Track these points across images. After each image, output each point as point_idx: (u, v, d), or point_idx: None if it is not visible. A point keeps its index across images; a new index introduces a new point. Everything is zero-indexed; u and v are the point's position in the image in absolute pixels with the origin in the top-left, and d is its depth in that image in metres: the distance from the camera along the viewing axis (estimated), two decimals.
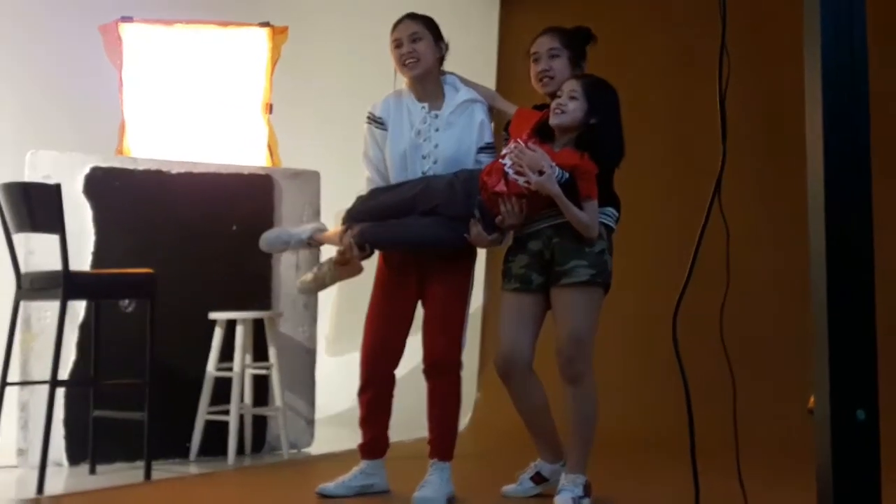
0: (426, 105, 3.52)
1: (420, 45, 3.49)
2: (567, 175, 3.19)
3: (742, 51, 4.47)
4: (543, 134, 3.31)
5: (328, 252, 3.84)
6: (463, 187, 3.39)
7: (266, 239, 3.83)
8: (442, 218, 3.38)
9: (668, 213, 4.76)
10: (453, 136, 3.48)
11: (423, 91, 3.54)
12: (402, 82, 3.60)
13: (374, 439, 3.60)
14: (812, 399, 1.41)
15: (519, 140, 3.31)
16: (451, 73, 3.63)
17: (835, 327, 1.39)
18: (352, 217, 3.54)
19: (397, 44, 3.52)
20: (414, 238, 3.44)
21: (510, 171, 3.24)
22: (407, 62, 3.49)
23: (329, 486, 3.57)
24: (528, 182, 3.20)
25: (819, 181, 1.40)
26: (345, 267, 3.64)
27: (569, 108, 3.23)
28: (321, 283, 3.77)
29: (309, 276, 3.79)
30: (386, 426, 3.61)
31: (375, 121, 3.58)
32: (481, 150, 3.51)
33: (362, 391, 3.56)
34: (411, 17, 3.58)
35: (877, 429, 1.38)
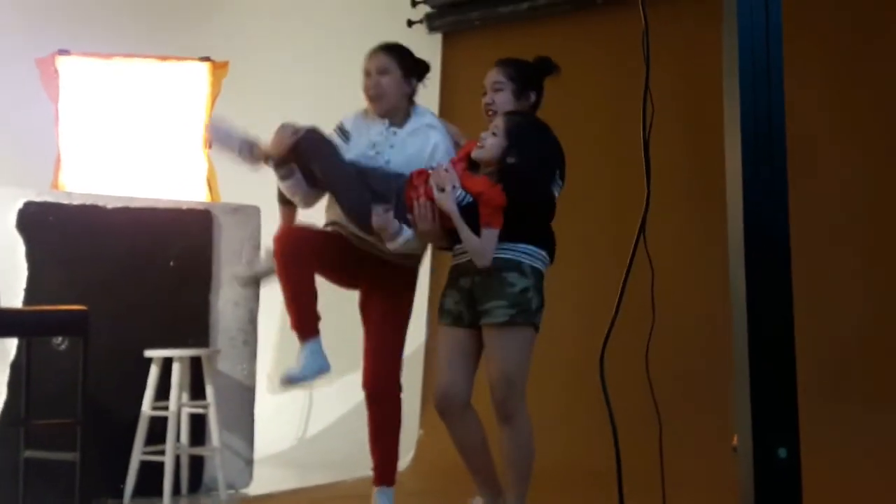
0: (387, 121, 3.52)
1: (385, 79, 3.48)
2: (469, 199, 3.25)
3: (670, 89, 4.57)
4: (473, 163, 3.37)
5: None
6: (397, 183, 3.39)
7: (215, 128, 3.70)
8: (365, 187, 3.35)
9: (602, 250, 4.83)
10: (404, 155, 3.46)
11: (390, 117, 3.53)
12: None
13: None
14: (735, 437, 1.44)
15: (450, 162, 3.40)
16: (426, 107, 3.63)
17: (755, 367, 1.42)
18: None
19: (366, 73, 3.52)
20: (340, 187, 3.37)
21: (431, 182, 3.30)
22: (370, 94, 3.50)
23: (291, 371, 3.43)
24: (428, 194, 3.28)
25: (738, 224, 1.44)
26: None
27: (487, 143, 3.29)
28: (259, 273, 3.75)
29: (243, 268, 3.78)
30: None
31: (342, 131, 3.56)
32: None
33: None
34: (384, 48, 3.55)
35: (798, 466, 1.41)
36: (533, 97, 3.52)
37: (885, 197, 4.51)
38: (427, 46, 5.89)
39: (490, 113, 3.50)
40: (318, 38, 6.47)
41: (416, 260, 3.57)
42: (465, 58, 5.73)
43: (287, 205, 3.57)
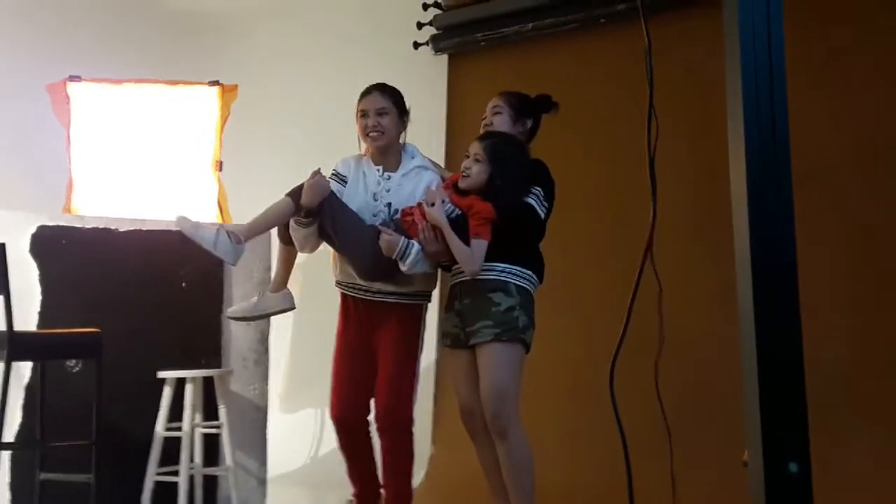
0: (380, 168, 3.61)
1: (385, 119, 3.61)
2: (458, 212, 3.35)
3: (675, 107, 4.58)
4: (460, 191, 3.43)
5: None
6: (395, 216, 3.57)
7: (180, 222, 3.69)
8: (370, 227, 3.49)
9: (608, 268, 4.83)
10: (402, 197, 3.59)
11: (383, 158, 3.66)
12: (364, 147, 3.67)
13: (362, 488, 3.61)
14: (746, 452, 1.44)
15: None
16: (412, 145, 3.72)
17: (765, 382, 1.42)
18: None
19: (363, 114, 3.62)
20: (358, 232, 3.49)
21: (424, 204, 3.40)
22: (371, 134, 3.59)
23: None
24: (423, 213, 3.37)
25: (745, 239, 1.44)
26: (278, 295, 3.68)
27: (472, 171, 3.37)
28: (251, 311, 3.80)
29: (238, 304, 3.84)
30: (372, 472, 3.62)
31: (339, 177, 3.67)
32: None
33: (339, 442, 3.61)
34: (380, 89, 3.66)
35: (809, 481, 1.41)
36: (529, 124, 3.65)
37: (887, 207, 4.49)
38: (433, 68, 5.93)
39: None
40: (325, 62, 6.50)
41: (425, 296, 3.63)
42: (470, 78, 5.76)
43: (289, 245, 3.63)
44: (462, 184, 3.40)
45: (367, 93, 3.66)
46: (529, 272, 3.45)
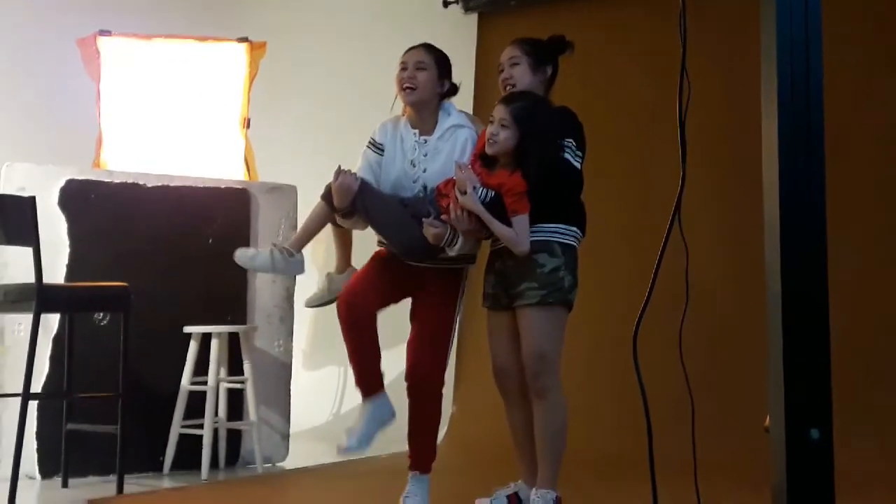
0: (417, 132, 3.57)
1: (422, 74, 3.53)
2: (492, 193, 3.28)
3: (705, 72, 4.52)
4: (488, 159, 3.37)
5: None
6: (430, 195, 3.49)
7: (238, 256, 3.77)
8: (411, 217, 3.43)
9: (637, 230, 4.80)
10: (439, 161, 3.54)
11: (419, 119, 3.59)
12: (401, 106, 3.63)
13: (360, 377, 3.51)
14: (768, 418, 1.43)
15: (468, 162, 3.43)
16: (449, 102, 3.66)
17: (789, 348, 1.41)
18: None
19: (403, 66, 3.56)
20: (393, 219, 3.44)
21: (457, 191, 3.34)
22: (405, 87, 3.53)
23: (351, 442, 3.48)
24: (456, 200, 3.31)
25: (775, 205, 1.43)
26: (345, 275, 3.65)
27: (500, 137, 3.30)
28: (322, 297, 3.79)
29: (312, 292, 3.83)
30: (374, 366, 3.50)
31: (375, 146, 3.62)
32: None
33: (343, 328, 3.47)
34: (425, 46, 3.61)
35: (830, 447, 1.41)
36: (549, 71, 3.53)
37: None
38: (463, 26, 5.89)
39: (508, 87, 3.51)
40: (354, 20, 6.47)
41: (469, 259, 3.59)
42: (500, 37, 5.68)
43: (341, 228, 3.60)
44: (489, 150, 3.34)
45: (412, 48, 3.61)
46: (574, 228, 3.40)
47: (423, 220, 3.37)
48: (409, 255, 3.50)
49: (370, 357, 3.45)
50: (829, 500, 1.41)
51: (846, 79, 4.45)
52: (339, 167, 3.43)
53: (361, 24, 6.40)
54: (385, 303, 3.53)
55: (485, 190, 3.30)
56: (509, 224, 3.28)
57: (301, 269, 3.68)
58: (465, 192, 3.28)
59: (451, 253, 3.40)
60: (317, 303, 3.83)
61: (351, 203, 3.42)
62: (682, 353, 1.75)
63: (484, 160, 3.38)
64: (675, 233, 1.58)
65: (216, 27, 5.47)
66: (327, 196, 3.47)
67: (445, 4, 5.89)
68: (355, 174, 3.43)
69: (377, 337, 3.46)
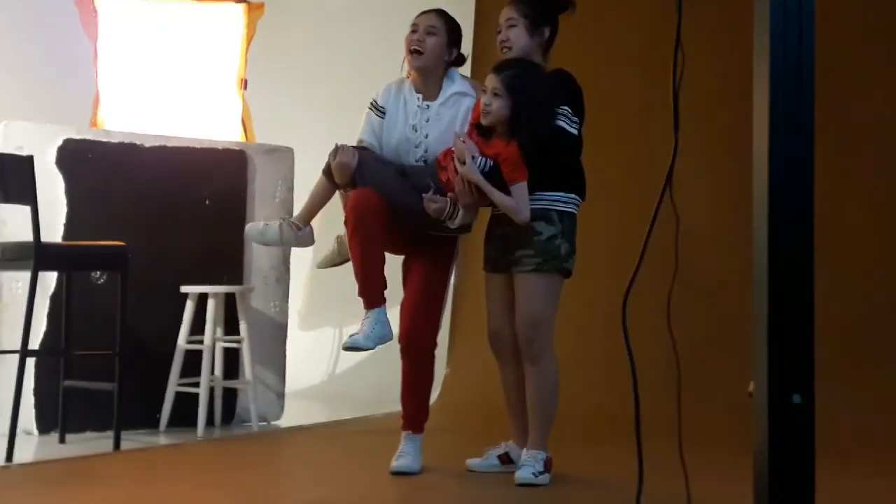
0: (420, 96, 3.58)
1: (431, 39, 3.52)
2: (491, 163, 3.29)
3: (706, 39, 4.51)
4: (483, 130, 3.38)
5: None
6: (430, 168, 3.50)
7: (248, 231, 3.79)
8: (411, 188, 3.45)
9: (630, 197, 4.82)
10: (441, 128, 3.55)
11: (423, 83, 3.59)
12: (406, 70, 3.62)
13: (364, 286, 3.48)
14: (752, 383, 1.46)
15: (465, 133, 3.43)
16: (455, 70, 3.65)
17: (774, 316, 1.44)
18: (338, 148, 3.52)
19: (413, 28, 3.56)
20: (396, 188, 3.45)
21: (456, 162, 3.34)
22: (412, 49, 3.53)
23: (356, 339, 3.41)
24: (455, 172, 3.32)
25: (763, 179, 1.45)
26: None
27: (493, 107, 3.30)
28: (333, 259, 3.80)
29: (322, 253, 3.83)
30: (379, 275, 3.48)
31: (376, 108, 3.63)
32: None
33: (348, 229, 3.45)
34: (438, 12, 3.60)
35: (812, 412, 1.44)
36: (547, 32, 3.50)
37: None
38: None
39: (504, 50, 3.50)
40: None
41: (465, 229, 3.60)
42: (496, 2, 5.69)
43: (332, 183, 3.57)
44: (484, 120, 3.34)
45: (425, 11, 3.59)
46: (572, 195, 3.42)
47: (423, 195, 3.38)
48: (409, 224, 3.52)
49: (376, 266, 3.43)
50: (809, 463, 1.45)
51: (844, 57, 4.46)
52: (337, 144, 3.44)
53: None
54: (390, 222, 3.44)
55: (484, 159, 3.31)
56: (508, 193, 3.31)
57: (311, 242, 3.74)
58: (464, 163, 3.30)
59: (452, 226, 3.43)
60: (328, 264, 3.84)
61: (351, 178, 3.44)
62: (669, 319, 1.78)
63: (480, 130, 3.39)
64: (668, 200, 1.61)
65: None
66: (328, 171, 3.49)
67: None
68: (353, 150, 3.43)
69: (382, 245, 3.46)
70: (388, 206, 3.41)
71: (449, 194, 3.41)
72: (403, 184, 3.48)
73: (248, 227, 3.74)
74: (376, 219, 3.39)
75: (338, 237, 3.76)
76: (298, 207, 5.10)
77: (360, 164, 3.42)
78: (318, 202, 3.63)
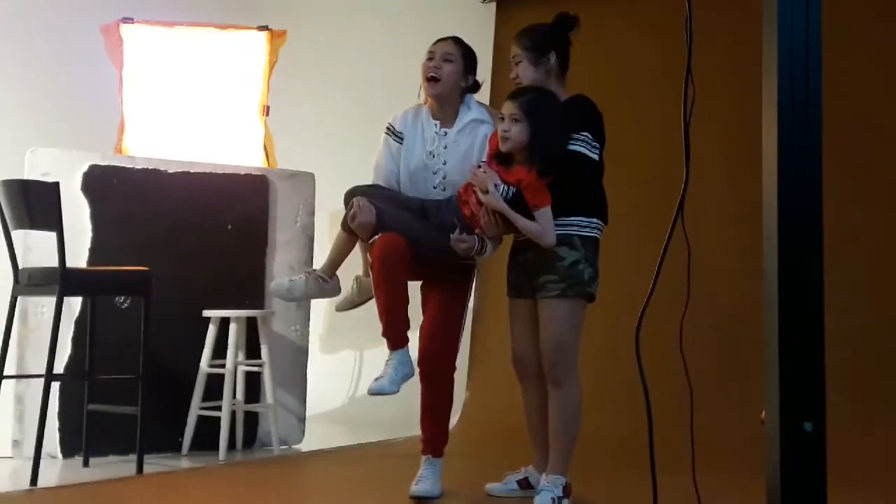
0: (438, 123, 3.60)
1: (448, 67, 3.55)
2: (513, 190, 3.30)
3: (716, 67, 4.50)
4: (503, 156, 3.38)
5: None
6: (453, 203, 3.52)
7: (273, 288, 3.82)
8: (434, 227, 3.48)
9: (646, 225, 4.82)
10: (459, 155, 3.57)
11: (440, 110, 3.61)
12: (423, 96, 3.65)
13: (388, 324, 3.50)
14: (764, 412, 1.47)
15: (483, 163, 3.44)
16: (471, 96, 3.68)
17: (785, 345, 1.45)
18: (354, 194, 3.53)
19: (430, 56, 3.58)
20: (419, 231, 3.47)
21: (478, 192, 3.35)
22: (429, 76, 3.56)
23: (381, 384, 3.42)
24: (478, 204, 3.32)
25: (773, 206, 1.46)
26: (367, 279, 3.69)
27: (512, 132, 3.29)
28: (353, 301, 3.83)
29: (340, 296, 3.84)
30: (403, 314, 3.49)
31: (394, 133, 3.65)
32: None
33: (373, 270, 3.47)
34: (455, 39, 3.63)
35: (823, 440, 1.44)
36: (553, 59, 3.49)
37: None
38: (481, 16, 5.91)
39: (516, 85, 3.52)
40: (374, 10, 6.49)
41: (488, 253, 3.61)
42: (518, 27, 5.70)
43: (351, 235, 3.60)
44: (504, 147, 3.34)
45: (441, 39, 3.63)
46: (594, 220, 3.42)
47: (451, 236, 3.37)
48: (435, 261, 3.52)
49: (399, 309, 3.44)
50: (821, 491, 1.45)
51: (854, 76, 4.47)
52: (354, 202, 3.43)
53: (381, 13, 6.44)
54: (411, 265, 3.47)
55: (506, 187, 3.30)
56: (532, 218, 3.31)
57: (337, 292, 3.78)
58: (486, 192, 3.30)
59: (481, 259, 3.47)
60: (348, 306, 3.85)
61: (373, 232, 3.45)
62: (682, 346, 1.79)
63: (500, 159, 3.39)
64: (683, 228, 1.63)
65: (237, 15, 5.52)
66: (347, 227, 3.52)
67: None
68: (370, 207, 3.41)
69: (407, 289, 3.47)
70: (413, 247, 3.43)
71: (476, 231, 3.43)
72: (425, 224, 3.50)
73: (274, 284, 3.78)
74: (402, 263, 3.41)
75: (357, 278, 3.77)
76: (319, 231, 5.18)
77: (380, 215, 3.42)
78: (341, 254, 3.67)
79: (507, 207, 3.29)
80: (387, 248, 3.39)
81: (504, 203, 3.29)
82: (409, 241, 3.42)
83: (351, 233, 3.53)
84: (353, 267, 3.78)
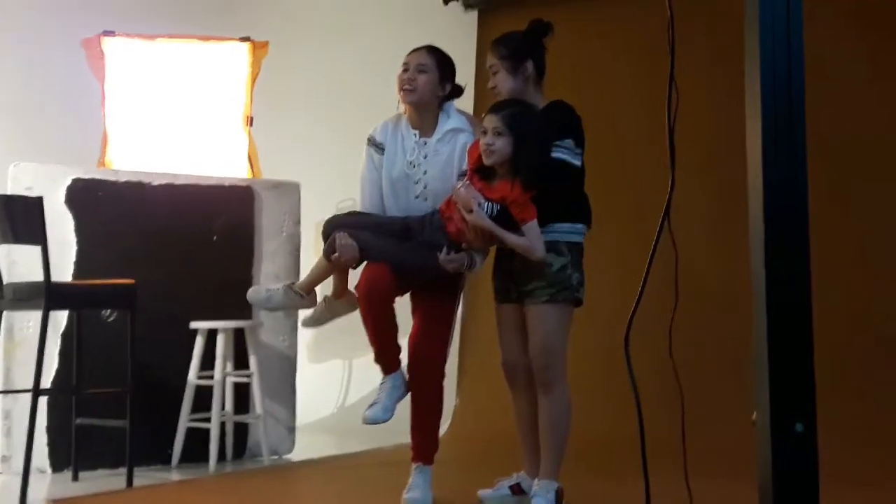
0: (417, 132, 3.60)
1: (422, 77, 3.55)
2: (498, 207, 3.30)
3: (700, 69, 4.53)
4: (485, 171, 3.38)
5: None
6: (436, 220, 3.50)
7: (251, 296, 3.82)
8: (420, 245, 3.47)
9: (630, 229, 4.83)
10: (439, 164, 3.57)
11: (419, 119, 3.61)
12: (402, 106, 3.65)
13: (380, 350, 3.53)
14: (755, 413, 1.47)
15: (465, 179, 3.43)
16: (451, 103, 3.67)
17: (775, 347, 1.45)
18: (334, 226, 3.56)
19: (404, 67, 3.58)
20: (403, 256, 3.48)
21: (462, 211, 3.35)
22: (404, 87, 3.56)
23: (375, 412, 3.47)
24: (462, 221, 3.33)
25: (758, 211, 1.47)
26: (342, 300, 3.71)
27: (496, 146, 3.29)
28: (321, 319, 3.83)
29: (309, 312, 3.84)
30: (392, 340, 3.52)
31: (375, 144, 3.65)
32: (460, 176, 3.56)
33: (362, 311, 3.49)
34: (428, 49, 3.62)
35: (814, 440, 1.45)
36: (529, 67, 3.49)
37: None
38: (464, 24, 5.92)
39: (495, 95, 3.53)
40: (356, 19, 6.50)
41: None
42: (498, 34, 5.73)
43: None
44: (488, 161, 3.33)
45: (415, 49, 3.62)
46: (578, 224, 3.44)
47: (440, 256, 3.39)
48: (424, 279, 3.53)
49: (389, 339, 3.47)
50: (813, 492, 1.46)
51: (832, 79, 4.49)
52: (335, 237, 3.44)
53: (363, 22, 6.44)
54: (399, 289, 3.53)
55: (490, 204, 3.30)
56: (519, 232, 3.32)
57: (313, 305, 3.77)
58: (470, 211, 3.30)
59: (470, 273, 3.48)
60: (316, 323, 3.87)
61: (357, 264, 3.48)
62: (671, 349, 1.79)
63: (482, 174, 3.39)
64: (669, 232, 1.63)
65: (219, 27, 5.51)
66: (328, 255, 3.50)
67: (446, 2, 5.92)
68: (353, 244, 3.42)
69: (395, 319, 3.48)
70: (400, 273, 3.43)
71: (463, 246, 3.43)
72: (409, 246, 3.49)
73: (252, 291, 3.76)
74: (388, 296, 3.43)
75: (325, 297, 3.76)
76: (305, 240, 5.17)
77: (363, 249, 3.43)
78: (319, 277, 3.67)
79: (494, 225, 3.29)
80: (371, 284, 3.41)
81: (490, 221, 3.29)
82: (395, 267, 3.42)
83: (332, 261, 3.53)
84: (328, 283, 3.77)
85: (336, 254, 3.43)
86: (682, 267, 1.78)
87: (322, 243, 3.55)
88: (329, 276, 3.66)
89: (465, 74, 4.97)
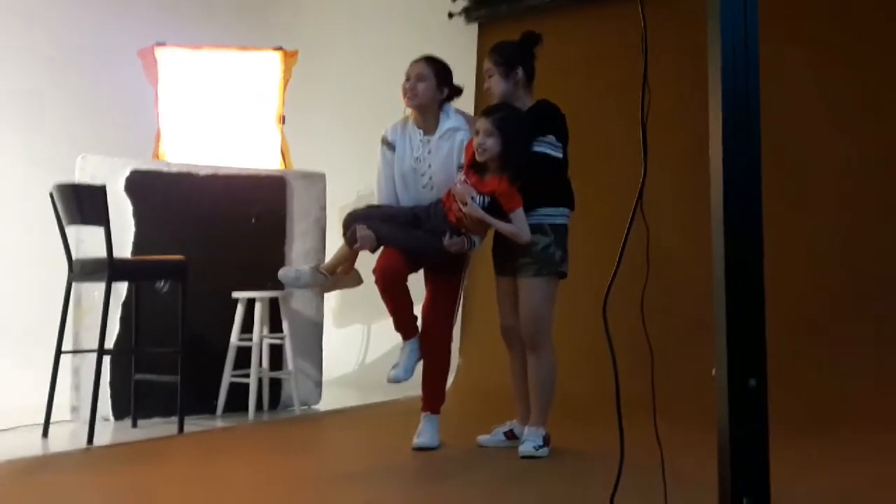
0: (422, 132, 3.60)
1: (421, 85, 3.55)
2: (488, 199, 3.34)
3: (673, 71, 4.49)
4: (478, 166, 3.39)
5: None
6: (440, 210, 3.52)
7: (281, 275, 3.80)
8: (427, 233, 3.48)
9: (606, 213, 4.81)
10: (441, 158, 3.58)
11: (422, 120, 3.62)
12: (408, 110, 3.64)
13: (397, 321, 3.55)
14: (714, 369, 1.47)
15: (461, 174, 3.46)
16: (450, 105, 3.66)
17: (731, 311, 1.44)
18: (353, 218, 3.57)
19: (406, 77, 3.58)
20: (413, 242, 3.50)
21: (458, 203, 3.38)
22: (406, 95, 3.56)
23: (397, 373, 3.51)
24: (460, 211, 3.36)
25: (719, 194, 1.46)
26: (347, 276, 3.71)
27: (488, 145, 3.32)
28: (326, 289, 3.84)
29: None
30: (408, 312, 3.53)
31: (387, 144, 3.66)
32: (459, 168, 3.56)
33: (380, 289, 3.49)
34: (426, 59, 3.61)
35: (765, 393, 1.44)
36: (520, 72, 3.48)
37: (865, 146, 4.42)
38: (465, 36, 5.88)
39: (490, 96, 3.53)
40: (373, 31, 6.46)
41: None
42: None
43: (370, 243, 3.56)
44: (480, 158, 3.36)
45: (415, 60, 3.62)
46: (561, 208, 3.45)
47: (444, 241, 3.42)
48: (433, 259, 3.55)
49: (405, 312, 3.51)
50: (763, 436, 1.45)
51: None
52: (355, 229, 3.46)
53: (379, 33, 6.41)
54: (411, 269, 3.55)
55: (482, 197, 3.36)
56: (508, 220, 3.33)
57: (333, 286, 3.79)
58: (465, 204, 3.33)
59: (472, 252, 3.52)
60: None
61: (375, 249, 3.52)
62: (643, 315, 1.79)
63: (475, 169, 3.41)
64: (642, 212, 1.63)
65: (255, 38, 5.49)
66: (351, 244, 3.53)
67: (450, 16, 5.88)
68: (370, 234, 3.45)
69: (409, 294, 3.51)
70: (410, 256, 3.48)
71: (462, 231, 3.44)
72: (419, 233, 3.51)
73: (282, 271, 3.74)
74: (402, 277, 3.48)
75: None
76: (331, 222, 5.17)
77: (380, 238, 3.47)
78: (341, 261, 3.69)
79: (485, 214, 3.33)
80: (387, 267, 3.45)
81: (482, 212, 3.33)
82: (406, 252, 3.47)
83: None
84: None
85: (357, 244, 3.45)
86: (652, 243, 1.77)
87: (342, 229, 3.58)
88: (346, 261, 3.67)
89: (466, 78, 4.97)
